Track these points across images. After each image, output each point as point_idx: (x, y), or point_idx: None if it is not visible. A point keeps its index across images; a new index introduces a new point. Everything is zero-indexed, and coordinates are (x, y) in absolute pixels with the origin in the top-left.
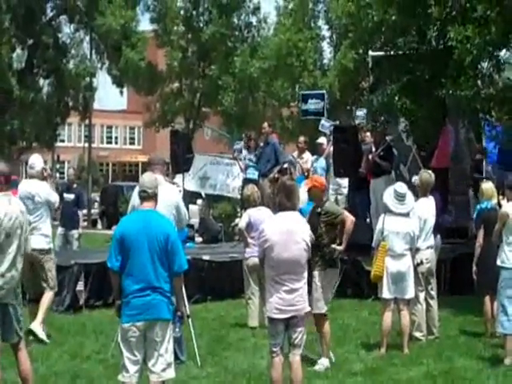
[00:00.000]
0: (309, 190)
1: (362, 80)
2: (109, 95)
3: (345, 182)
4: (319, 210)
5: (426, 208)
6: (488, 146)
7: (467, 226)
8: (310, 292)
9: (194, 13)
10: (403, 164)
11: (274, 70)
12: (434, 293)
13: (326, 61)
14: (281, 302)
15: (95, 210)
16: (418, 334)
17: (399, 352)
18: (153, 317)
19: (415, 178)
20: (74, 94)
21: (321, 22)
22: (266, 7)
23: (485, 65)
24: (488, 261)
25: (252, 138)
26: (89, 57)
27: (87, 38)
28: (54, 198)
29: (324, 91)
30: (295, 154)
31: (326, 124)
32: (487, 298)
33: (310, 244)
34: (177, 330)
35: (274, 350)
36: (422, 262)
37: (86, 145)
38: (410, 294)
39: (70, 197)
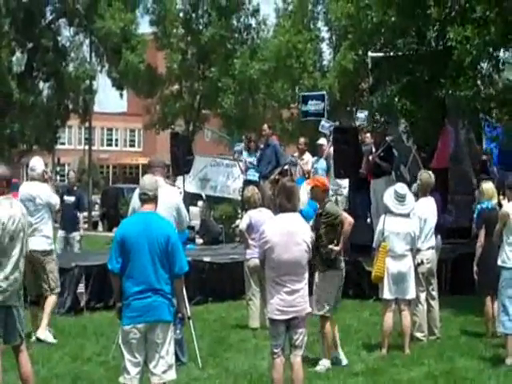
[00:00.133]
0: (311, 190)
1: (361, 81)
2: (109, 98)
3: (345, 182)
4: (320, 210)
5: (426, 208)
6: (488, 147)
7: (469, 226)
8: (311, 293)
9: (194, 15)
10: (403, 165)
11: (274, 72)
12: (435, 293)
13: (325, 62)
14: (282, 303)
15: (96, 213)
16: (419, 335)
17: (400, 352)
18: (154, 319)
19: (415, 186)
20: (73, 97)
21: (320, 24)
22: (266, 9)
23: (484, 65)
24: (489, 261)
25: (252, 140)
26: (88, 60)
27: (87, 41)
28: (55, 200)
29: (324, 92)
30: (296, 154)
31: (325, 125)
32: (488, 298)
33: (310, 245)
34: (178, 331)
35: (275, 351)
36: (422, 262)
37: (87, 147)
38: (410, 294)
39: (70, 199)
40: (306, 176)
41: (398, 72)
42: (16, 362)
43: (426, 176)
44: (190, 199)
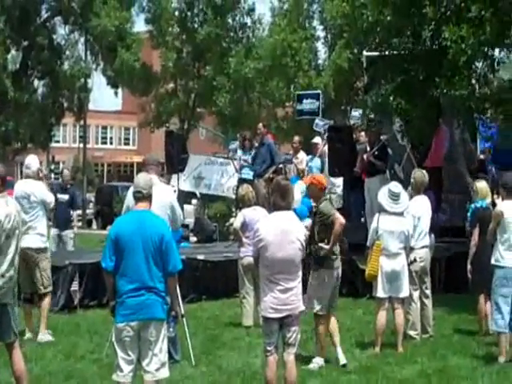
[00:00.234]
0: (308, 187)
1: (356, 80)
2: (104, 96)
3: (338, 181)
4: (315, 209)
5: (420, 206)
6: (482, 147)
7: (463, 225)
8: (305, 291)
9: (189, 14)
10: (398, 163)
11: (269, 71)
12: (428, 292)
13: (320, 61)
14: (275, 301)
15: (90, 211)
16: (412, 333)
17: (393, 351)
18: (147, 316)
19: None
20: (68, 95)
21: (315, 23)
22: (261, 8)
23: (479, 65)
24: (482, 260)
25: (247, 138)
26: (84, 58)
27: (82, 39)
28: (50, 198)
29: (319, 91)
30: (290, 153)
31: (319, 123)
32: (481, 297)
33: (304, 243)
34: (171, 329)
35: (269, 349)
36: (415, 260)
37: (81, 145)
38: (404, 292)
39: (64, 197)
40: (301, 175)
41: (393, 71)
42: (9, 359)
43: (420, 174)
44: (185, 197)
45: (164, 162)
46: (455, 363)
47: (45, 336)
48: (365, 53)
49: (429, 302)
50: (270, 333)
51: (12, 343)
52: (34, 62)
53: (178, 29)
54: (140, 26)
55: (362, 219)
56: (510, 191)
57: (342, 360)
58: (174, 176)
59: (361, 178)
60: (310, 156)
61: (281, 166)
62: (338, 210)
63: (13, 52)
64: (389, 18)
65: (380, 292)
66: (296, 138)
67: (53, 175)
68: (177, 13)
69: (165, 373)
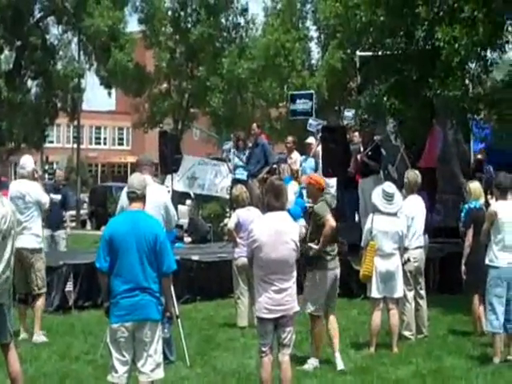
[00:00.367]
0: (306, 187)
1: (349, 80)
2: (97, 96)
3: (332, 181)
4: (310, 209)
5: (414, 206)
6: (476, 147)
7: (457, 226)
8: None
9: (182, 14)
10: (391, 164)
11: (262, 71)
12: (423, 292)
13: (314, 61)
14: (270, 301)
15: (84, 211)
16: (407, 333)
17: (388, 351)
18: (141, 317)
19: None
20: (62, 95)
21: (309, 23)
22: (254, 8)
23: (472, 65)
24: (476, 260)
25: (241, 139)
26: (77, 58)
27: (75, 40)
28: (45, 198)
29: (312, 91)
30: (284, 152)
31: (313, 123)
32: (476, 297)
33: (298, 243)
34: (166, 330)
35: (263, 349)
36: (408, 260)
37: (75, 146)
38: (398, 293)
39: (56, 198)
40: (295, 175)
41: (387, 71)
42: (5, 360)
43: (413, 175)
44: (179, 198)
45: (158, 162)
46: (450, 364)
47: (39, 337)
48: (358, 53)
49: (423, 303)
50: (265, 333)
51: (8, 344)
52: (28, 62)
53: (172, 29)
54: (133, 26)
55: (356, 219)
56: (504, 191)
57: (340, 365)
58: (168, 176)
59: (354, 179)
60: (303, 156)
61: (275, 166)
62: (332, 210)
63: (6, 52)
64: (382, 18)
65: (374, 292)
66: (290, 138)
67: (46, 175)
68: (170, 13)
69: (160, 373)
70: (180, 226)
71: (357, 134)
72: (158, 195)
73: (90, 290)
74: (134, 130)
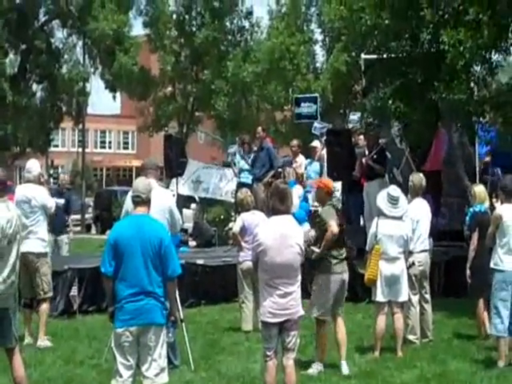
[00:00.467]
0: (316, 191)
1: (354, 83)
2: (102, 100)
3: (337, 184)
4: (315, 213)
5: (419, 210)
6: (481, 150)
7: (462, 229)
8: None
9: (187, 17)
10: (396, 167)
11: (267, 74)
12: (428, 296)
13: (318, 64)
14: (274, 305)
15: (89, 215)
16: (411, 337)
17: (393, 355)
18: (146, 322)
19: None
20: (67, 99)
21: (313, 26)
22: (259, 11)
23: (477, 68)
24: (481, 264)
25: (246, 142)
26: (82, 62)
27: (80, 43)
28: (51, 203)
29: (316, 95)
30: (290, 155)
31: (318, 126)
32: (480, 301)
33: (303, 247)
34: (170, 334)
35: (268, 353)
36: (413, 264)
37: (80, 150)
38: (403, 297)
39: (60, 202)
40: (300, 179)
41: (392, 74)
42: (9, 365)
43: (418, 178)
44: (183, 202)
45: (163, 166)
46: (455, 367)
47: (44, 342)
48: (363, 56)
49: (428, 307)
50: (270, 337)
51: (13, 349)
52: (32, 66)
53: (176, 32)
54: (138, 29)
55: (361, 223)
56: (509, 194)
57: (345, 371)
58: (173, 180)
59: (359, 182)
60: (308, 160)
61: (280, 170)
62: (339, 213)
63: (11, 56)
64: (387, 21)
65: (379, 296)
66: (295, 142)
67: (52, 180)
68: (174, 16)
69: (164, 378)
70: (185, 230)
71: (362, 137)
72: (162, 199)
73: (95, 294)
74: (139, 134)
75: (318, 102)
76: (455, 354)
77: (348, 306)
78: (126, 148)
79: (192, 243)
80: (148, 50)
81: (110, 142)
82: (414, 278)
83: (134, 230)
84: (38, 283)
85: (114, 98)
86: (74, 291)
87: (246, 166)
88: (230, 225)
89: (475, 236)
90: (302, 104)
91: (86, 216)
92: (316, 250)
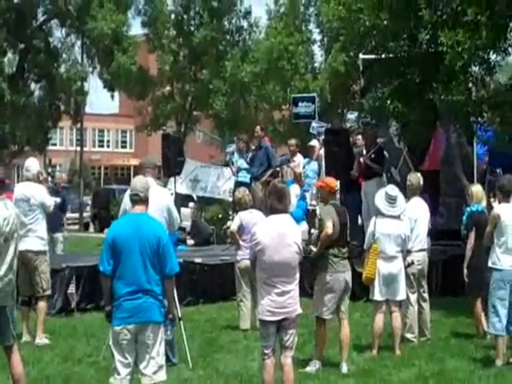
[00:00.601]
0: (318, 190)
1: (353, 83)
2: (101, 99)
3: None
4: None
5: (417, 209)
6: (479, 150)
7: (460, 228)
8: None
9: (185, 17)
10: (394, 167)
11: (265, 74)
12: (426, 295)
13: (317, 64)
14: (272, 304)
15: (87, 214)
16: (409, 336)
17: (391, 354)
18: (144, 320)
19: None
20: (65, 98)
21: (312, 26)
22: (257, 11)
23: (476, 69)
24: (478, 263)
25: (244, 141)
26: (80, 61)
27: (78, 43)
28: (49, 201)
29: (314, 94)
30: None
31: (316, 126)
32: (478, 300)
33: (301, 246)
34: (168, 332)
35: (266, 352)
36: (412, 262)
37: (78, 148)
38: (401, 295)
39: (56, 200)
40: (298, 178)
41: (390, 74)
42: (8, 362)
43: (416, 177)
44: (181, 200)
45: (161, 165)
46: (453, 366)
47: (42, 339)
48: (361, 56)
49: (426, 306)
50: (268, 336)
51: (11, 346)
52: (31, 65)
53: (175, 32)
54: (136, 29)
55: (359, 222)
56: (507, 194)
57: (344, 371)
58: (171, 179)
59: (357, 181)
60: (306, 159)
61: (278, 169)
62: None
63: (9, 55)
64: (385, 21)
65: (377, 295)
66: (292, 141)
67: (50, 178)
68: (173, 16)
69: (162, 376)
70: (183, 229)
71: (360, 136)
72: (160, 198)
73: (93, 292)
74: (137, 133)
75: (316, 102)
76: (453, 352)
77: None
78: (124, 147)
79: (190, 242)
80: (146, 49)
81: (108, 141)
82: (412, 276)
83: (132, 229)
84: (37, 281)
85: (113, 97)
86: (72, 289)
87: (244, 165)
88: (228, 223)
89: (472, 235)
90: (300, 104)
91: (84, 214)
92: (314, 249)
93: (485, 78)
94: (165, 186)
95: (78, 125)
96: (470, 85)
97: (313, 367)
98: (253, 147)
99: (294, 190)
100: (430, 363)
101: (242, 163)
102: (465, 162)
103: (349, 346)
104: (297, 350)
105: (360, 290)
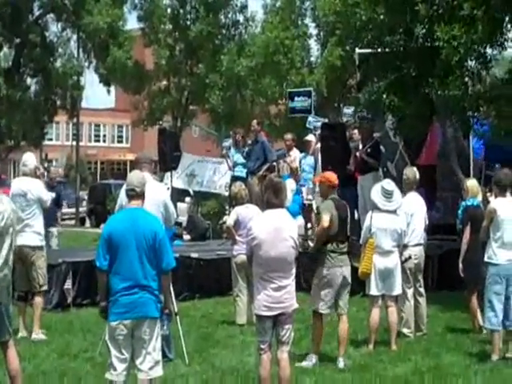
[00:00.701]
0: (318, 186)
1: (349, 77)
2: (97, 94)
3: None
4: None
5: (413, 203)
6: (475, 143)
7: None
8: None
9: (181, 11)
10: (390, 161)
11: (262, 68)
12: (422, 290)
13: (313, 58)
14: (269, 299)
15: (83, 209)
16: (405, 331)
17: (387, 348)
18: (140, 315)
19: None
20: (61, 93)
21: (308, 20)
22: (253, 5)
23: (472, 63)
24: (474, 258)
25: (240, 135)
26: (76, 55)
27: (74, 37)
28: (47, 196)
29: (311, 89)
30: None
31: (312, 120)
32: (474, 295)
33: (297, 241)
34: (164, 327)
35: (262, 347)
36: (410, 257)
37: (74, 143)
38: (397, 290)
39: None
40: (294, 173)
41: (386, 68)
42: (4, 358)
43: (412, 172)
44: (178, 195)
45: (157, 159)
46: (448, 361)
47: (38, 335)
48: (357, 50)
49: (423, 300)
50: (264, 331)
51: (6, 342)
52: (27, 60)
53: (171, 26)
54: (132, 23)
55: (356, 217)
56: (503, 188)
57: (341, 366)
58: (167, 174)
59: (354, 176)
60: (302, 154)
61: (274, 163)
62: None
63: (5, 49)
64: (381, 16)
65: (373, 290)
66: (289, 136)
67: (46, 173)
68: (169, 10)
69: (158, 371)
70: (179, 224)
71: (356, 131)
72: (157, 193)
73: (89, 287)
74: (134, 128)
75: (313, 96)
76: (449, 347)
77: None
78: (120, 142)
79: (186, 237)
80: (142, 43)
81: (104, 136)
82: (408, 271)
83: (129, 224)
84: (34, 276)
85: (109, 91)
86: (68, 284)
87: (241, 160)
88: (224, 218)
89: (467, 230)
90: (297, 98)
91: (80, 209)
92: (311, 244)
93: (481, 72)
94: (161, 180)
95: (74, 119)
96: (467, 79)
97: (309, 362)
98: (249, 141)
99: (290, 185)
100: (426, 358)
101: (239, 158)
102: (461, 156)
103: (347, 341)
104: (293, 345)
105: (356, 284)
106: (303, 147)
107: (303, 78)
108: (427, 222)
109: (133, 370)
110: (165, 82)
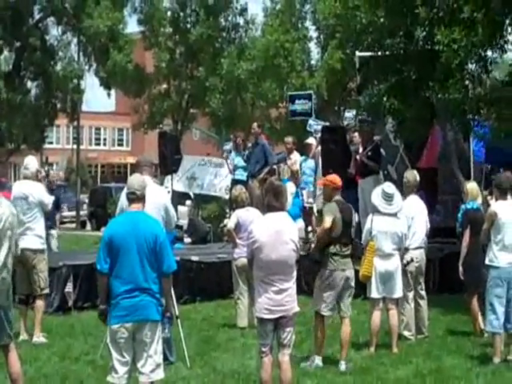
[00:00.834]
0: (322, 189)
1: (349, 80)
2: (97, 97)
3: None
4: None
5: (413, 206)
6: (475, 146)
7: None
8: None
9: (182, 14)
10: (391, 164)
11: (262, 71)
12: (423, 292)
13: (313, 61)
14: (270, 302)
15: (84, 212)
16: (406, 333)
17: (388, 351)
18: (141, 318)
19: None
20: (61, 96)
21: (308, 23)
22: (254, 8)
23: (472, 66)
24: (474, 261)
25: (241, 139)
26: (76, 59)
27: (75, 40)
28: (48, 199)
29: (311, 92)
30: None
31: (313, 123)
32: (474, 298)
33: (298, 244)
34: (166, 330)
35: (263, 350)
36: (412, 260)
37: (75, 146)
38: (398, 293)
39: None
40: (295, 176)
41: (386, 71)
42: (5, 361)
43: (412, 175)
44: (178, 198)
45: (157, 163)
46: (450, 364)
47: (39, 338)
48: (357, 53)
49: (424, 303)
50: (265, 334)
51: (7, 345)
52: (27, 63)
53: (171, 29)
54: (133, 26)
55: (356, 220)
56: (504, 191)
57: (342, 369)
58: (168, 177)
59: (354, 179)
60: (303, 157)
61: (274, 167)
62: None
63: (5, 53)
64: (382, 19)
65: (374, 293)
66: (289, 139)
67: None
68: (169, 13)
69: (160, 374)
70: (180, 227)
71: (356, 134)
72: (157, 196)
73: (90, 290)
74: (134, 131)
75: (313, 99)
76: (450, 350)
77: None
78: (120, 145)
79: (187, 240)
80: (143, 47)
81: (104, 139)
82: (409, 274)
83: (129, 227)
84: (35, 279)
85: (109, 95)
86: (69, 287)
87: (241, 163)
88: (225, 221)
89: (467, 233)
90: (297, 101)
91: (81, 213)
92: (312, 245)
93: (481, 75)
94: (161, 184)
95: (75, 123)
96: (467, 82)
97: (311, 362)
98: (249, 145)
99: (290, 188)
100: (427, 361)
101: (239, 161)
102: (461, 159)
103: (349, 344)
104: (294, 348)
105: (357, 287)
106: (304, 150)
107: (303, 81)
108: (429, 226)
109: (134, 373)
110: (165, 86)
